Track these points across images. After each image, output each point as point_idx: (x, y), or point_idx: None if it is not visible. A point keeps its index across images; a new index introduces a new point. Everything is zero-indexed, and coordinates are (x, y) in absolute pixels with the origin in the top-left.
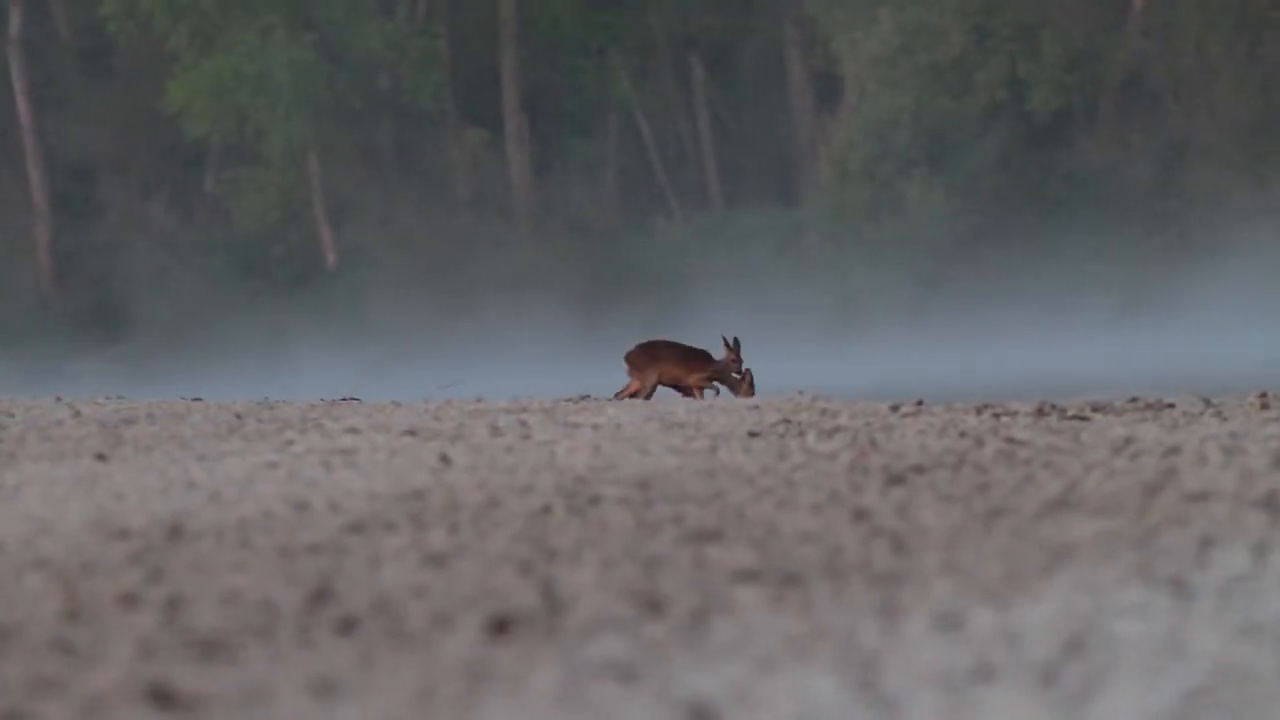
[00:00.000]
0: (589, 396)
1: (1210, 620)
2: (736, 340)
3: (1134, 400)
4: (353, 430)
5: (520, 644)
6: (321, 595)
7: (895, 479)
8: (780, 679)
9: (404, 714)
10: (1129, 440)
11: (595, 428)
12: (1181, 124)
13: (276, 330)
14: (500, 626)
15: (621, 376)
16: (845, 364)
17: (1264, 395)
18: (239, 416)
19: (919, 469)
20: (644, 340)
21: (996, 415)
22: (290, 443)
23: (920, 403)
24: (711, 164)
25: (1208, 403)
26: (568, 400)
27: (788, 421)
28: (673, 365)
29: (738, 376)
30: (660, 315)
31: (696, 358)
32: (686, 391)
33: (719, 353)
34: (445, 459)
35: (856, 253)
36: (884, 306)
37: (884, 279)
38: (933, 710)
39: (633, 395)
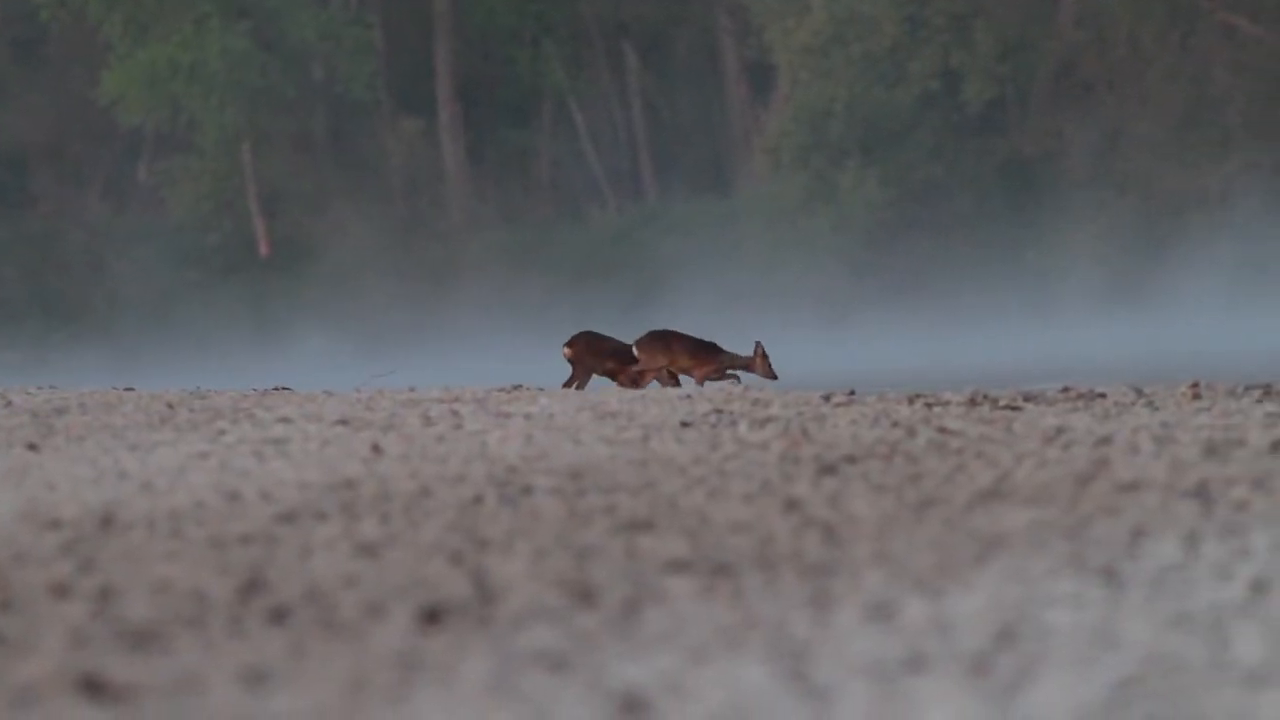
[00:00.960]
0: (521, 386)
1: (1142, 610)
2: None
3: (1066, 390)
4: (285, 420)
5: (452, 634)
6: (253, 585)
7: (827, 469)
8: (711, 669)
9: (335, 703)
10: (1061, 430)
11: (527, 417)
12: (1114, 114)
13: (210, 319)
14: (432, 616)
15: (557, 365)
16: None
17: (1195, 385)
18: (171, 406)
19: (851, 459)
20: (655, 329)
21: (929, 405)
22: (222, 432)
23: (852, 392)
24: (645, 153)
25: (1139, 393)
26: (500, 390)
27: (720, 411)
28: (684, 357)
29: (746, 357)
30: (594, 304)
31: (706, 350)
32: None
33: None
34: (377, 449)
35: (790, 242)
36: (818, 296)
37: (818, 268)
38: (864, 700)
39: (634, 383)
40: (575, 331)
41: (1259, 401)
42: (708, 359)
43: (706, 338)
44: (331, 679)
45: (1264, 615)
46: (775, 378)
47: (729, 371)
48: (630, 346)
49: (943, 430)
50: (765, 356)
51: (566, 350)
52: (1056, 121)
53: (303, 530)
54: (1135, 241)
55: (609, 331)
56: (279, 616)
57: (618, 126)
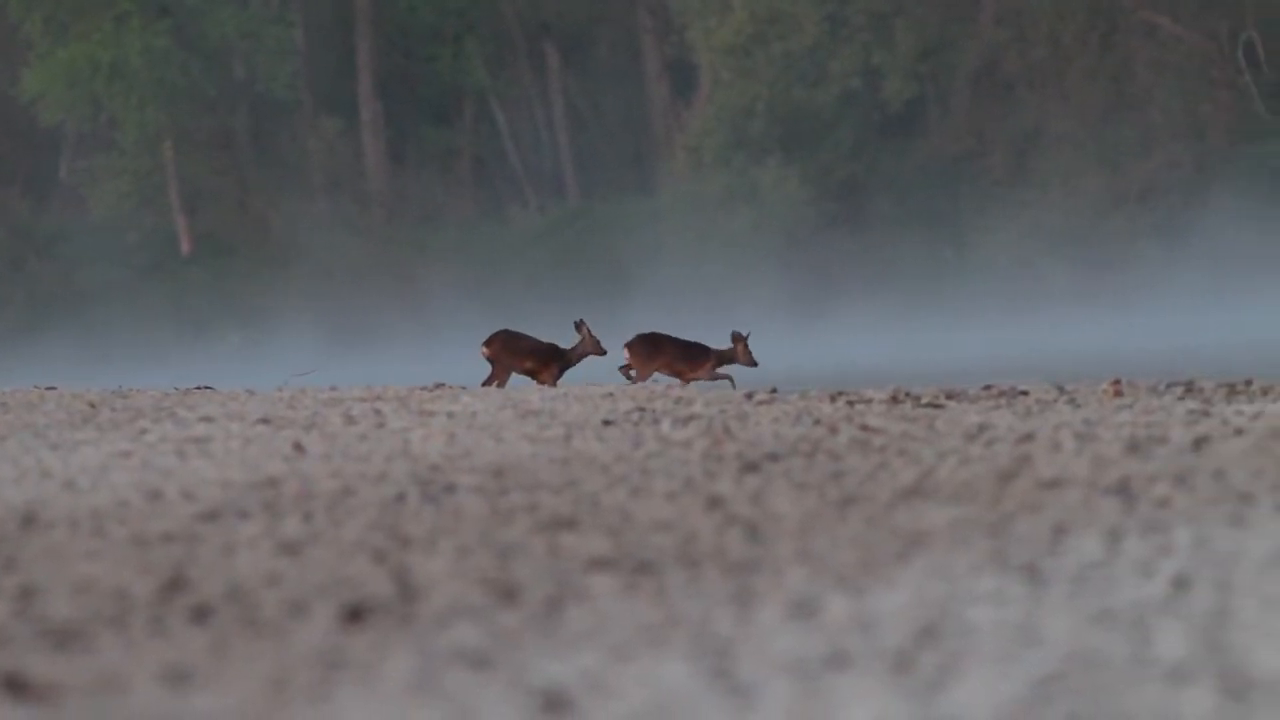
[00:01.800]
0: (443, 384)
1: (1063, 607)
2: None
3: (988, 388)
4: (207, 419)
5: (374, 632)
6: (175, 584)
7: (750, 467)
8: (634, 667)
9: (258, 702)
10: (983, 427)
11: (450, 416)
12: (1035, 112)
13: (132, 317)
14: (354, 615)
15: (477, 364)
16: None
17: (1117, 382)
18: (93, 405)
19: (773, 457)
20: (644, 332)
21: (851, 403)
22: (144, 431)
23: (774, 390)
24: (567, 152)
25: (1061, 390)
26: (422, 388)
27: (642, 409)
28: (675, 359)
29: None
30: (516, 303)
31: (696, 352)
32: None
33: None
34: (299, 447)
35: (712, 241)
36: (739, 294)
37: (739, 266)
38: (787, 698)
39: (629, 378)
40: (494, 330)
41: (1180, 399)
42: (701, 361)
43: (630, 335)
44: (253, 677)
45: (1185, 612)
46: (756, 364)
47: (718, 372)
48: (549, 345)
49: (865, 428)
50: (745, 345)
51: (484, 349)
52: (977, 120)
53: (225, 529)
54: (1056, 240)
55: (530, 330)
56: (201, 615)
57: (539, 125)
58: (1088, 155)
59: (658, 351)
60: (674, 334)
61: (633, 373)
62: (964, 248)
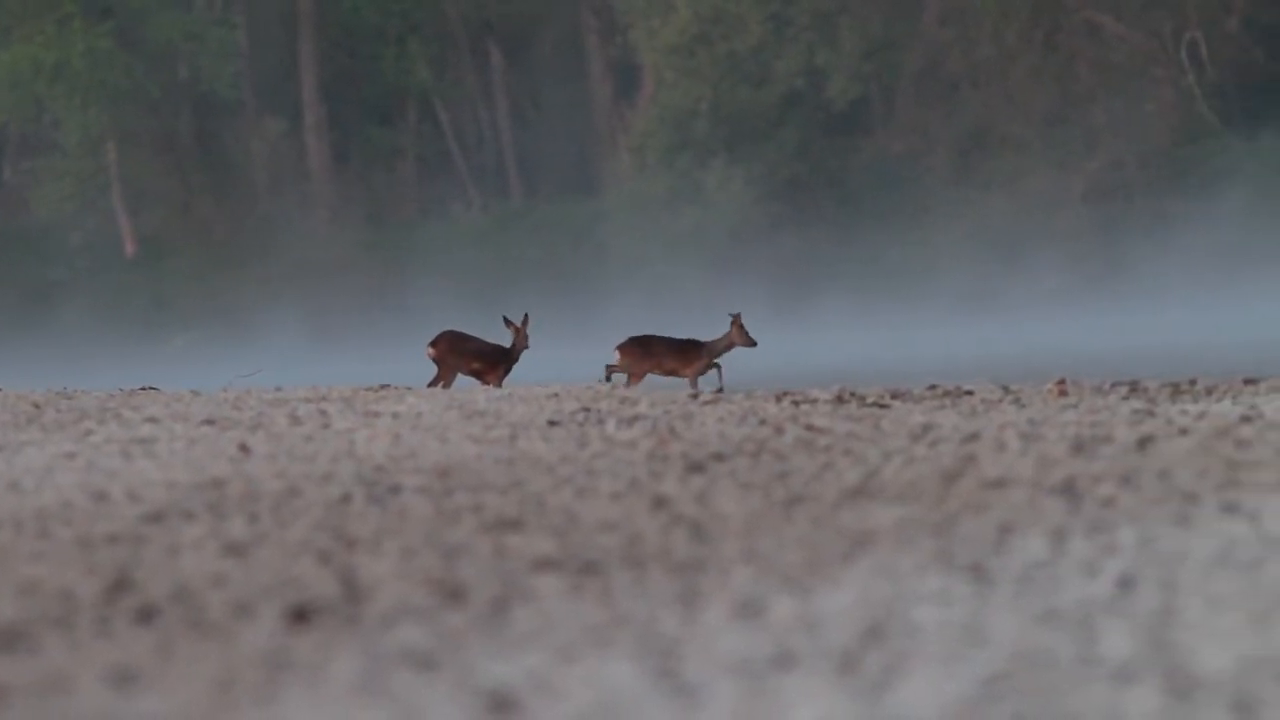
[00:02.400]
0: (389, 385)
1: (1009, 606)
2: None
3: (933, 388)
4: (152, 420)
5: (320, 633)
6: (120, 585)
7: (695, 467)
8: (580, 667)
9: (203, 703)
10: (928, 427)
11: (395, 416)
12: (979, 112)
13: (76, 318)
14: (300, 615)
15: (421, 365)
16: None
17: (1062, 382)
18: (37, 406)
19: (719, 457)
20: (635, 335)
21: (796, 403)
22: (89, 433)
23: (720, 390)
24: (511, 152)
25: (1006, 390)
26: (368, 389)
27: (587, 410)
28: (669, 358)
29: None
30: (460, 304)
31: (689, 348)
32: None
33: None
34: (244, 448)
35: (656, 241)
36: (684, 295)
37: (684, 267)
38: (732, 698)
39: (608, 378)
40: (440, 331)
41: (1125, 398)
42: (694, 357)
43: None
44: (199, 679)
45: (1131, 611)
46: (754, 344)
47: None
48: (496, 346)
49: (810, 428)
50: (741, 326)
51: (430, 350)
52: (921, 120)
53: (170, 530)
54: (1000, 240)
55: (474, 330)
56: (146, 616)
57: (483, 125)
58: (1032, 155)
59: (649, 352)
60: (653, 332)
61: (614, 374)
62: (908, 247)
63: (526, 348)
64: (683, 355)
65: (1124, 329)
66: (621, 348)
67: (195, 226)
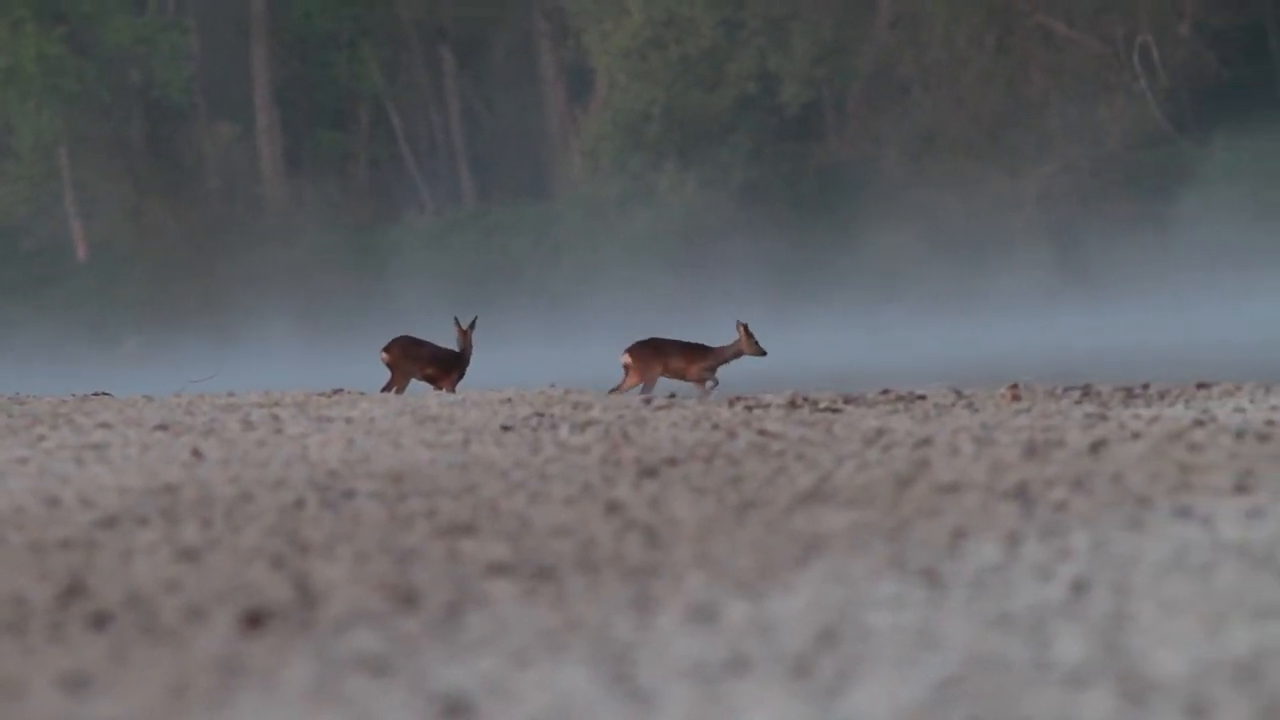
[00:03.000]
0: (342, 390)
1: (962, 611)
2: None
3: (886, 392)
4: (104, 425)
5: (273, 638)
6: (73, 590)
7: (648, 472)
8: (534, 672)
9: (157, 708)
10: (881, 432)
11: (348, 421)
12: (931, 116)
13: (28, 323)
14: (253, 620)
15: (374, 370)
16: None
17: (1015, 386)
18: None
19: (672, 462)
20: (644, 338)
21: (749, 408)
22: (41, 438)
23: (673, 395)
24: (463, 156)
25: (959, 394)
26: (321, 394)
27: (541, 415)
28: (677, 360)
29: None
30: (415, 308)
31: (698, 351)
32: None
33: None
34: (197, 453)
35: (610, 245)
36: (637, 298)
37: (637, 271)
38: (686, 702)
39: (632, 387)
40: (393, 336)
41: (1078, 402)
42: (700, 357)
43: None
44: (152, 684)
45: (1084, 615)
46: (764, 353)
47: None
48: (449, 351)
49: (763, 433)
50: (750, 334)
51: (384, 355)
52: (873, 124)
53: (123, 535)
54: (953, 243)
55: (429, 336)
56: (100, 621)
57: (435, 129)
58: (984, 159)
59: (659, 356)
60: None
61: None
62: (861, 251)
63: (470, 351)
64: (691, 359)
65: (1077, 333)
66: (631, 351)
67: (147, 230)
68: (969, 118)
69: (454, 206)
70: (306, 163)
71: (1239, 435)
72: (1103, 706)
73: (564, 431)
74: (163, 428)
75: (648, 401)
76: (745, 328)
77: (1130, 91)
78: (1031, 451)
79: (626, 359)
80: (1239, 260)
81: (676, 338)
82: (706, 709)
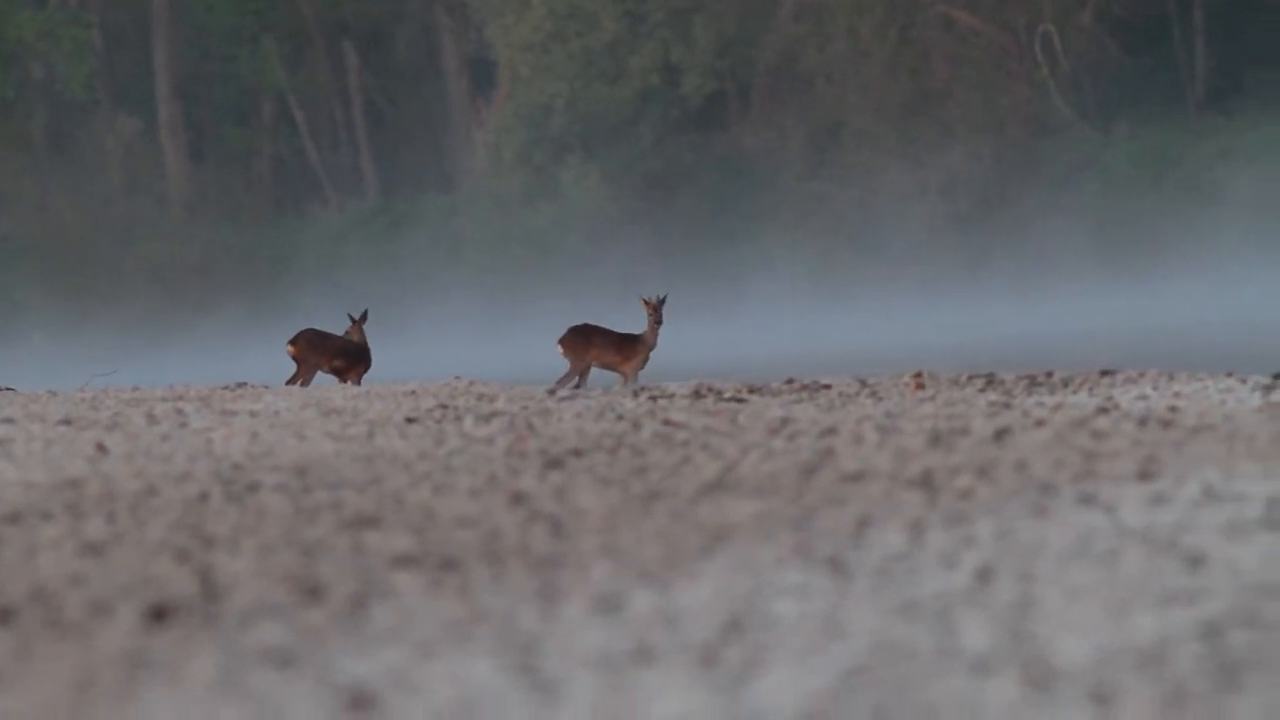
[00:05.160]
0: (246, 383)
1: (868, 599)
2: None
3: (790, 381)
4: (8, 420)
5: (178, 631)
6: None
7: (553, 462)
8: (440, 664)
9: (62, 703)
10: (786, 421)
11: (252, 414)
12: (834, 107)
13: None
14: (158, 614)
15: (284, 364)
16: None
17: (919, 375)
18: None
19: (577, 452)
20: (576, 325)
21: (654, 398)
22: None
23: (577, 385)
24: (366, 150)
25: (863, 383)
26: (225, 388)
27: (445, 407)
28: (607, 351)
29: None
30: (320, 303)
31: (629, 342)
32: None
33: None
34: (101, 448)
35: (513, 238)
36: (541, 291)
37: (541, 264)
38: (592, 692)
39: (568, 378)
40: (299, 329)
41: (982, 390)
42: (633, 352)
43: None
44: (58, 679)
45: (989, 603)
46: (661, 321)
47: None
48: (357, 344)
49: (668, 423)
50: (652, 305)
51: (290, 348)
52: (777, 115)
53: (27, 530)
54: (856, 233)
55: (332, 329)
56: (4, 617)
57: (338, 124)
58: (887, 149)
59: (589, 344)
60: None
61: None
62: (765, 242)
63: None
64: (620, 349)
65: (981, 322)
66: (562, 340)
67: (51, 226)
68: (872, 108)
69: (357, 200)
70: (209, 158)
71: (1142, 422)
72: (1008, 694)
73: (469, 423)
74: (67, 422)
75: (551, 393)
76: (646, 301)
77: (1032, 80)
78: (936, 440)
79: (560, 348)
80: (1141, 247)
81: (599, 326)
82: (613, 699)
